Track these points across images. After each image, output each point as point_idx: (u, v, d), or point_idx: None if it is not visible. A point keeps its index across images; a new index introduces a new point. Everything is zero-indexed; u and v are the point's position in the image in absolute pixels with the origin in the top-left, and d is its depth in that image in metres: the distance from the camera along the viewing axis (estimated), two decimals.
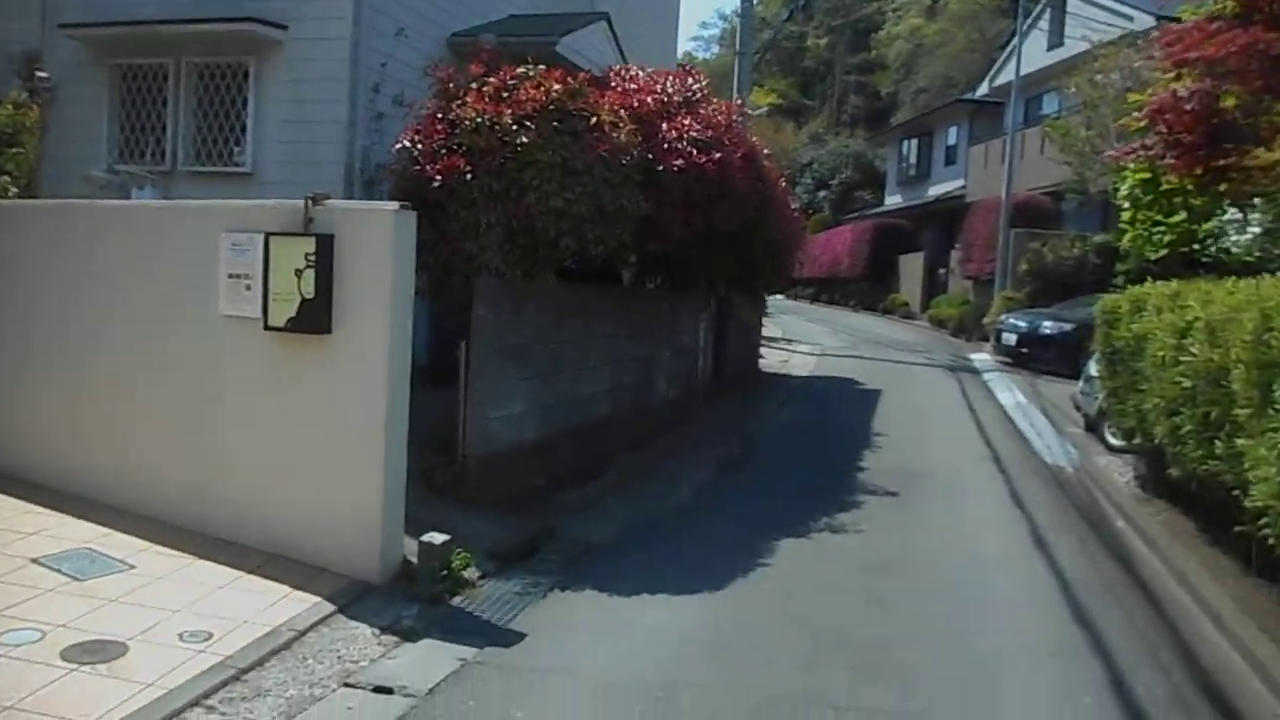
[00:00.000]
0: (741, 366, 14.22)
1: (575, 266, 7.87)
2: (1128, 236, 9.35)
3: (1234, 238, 11.15)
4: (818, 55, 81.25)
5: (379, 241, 4.89)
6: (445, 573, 4.95)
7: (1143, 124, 8.70)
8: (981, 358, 18.94)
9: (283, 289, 5.12)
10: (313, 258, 4.98)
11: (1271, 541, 4.24)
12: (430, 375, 7.11)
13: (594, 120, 6.30)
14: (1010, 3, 67.54)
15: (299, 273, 5.05)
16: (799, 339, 21.66)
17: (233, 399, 5.32)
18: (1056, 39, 25.43)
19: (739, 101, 16.82)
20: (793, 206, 14.25)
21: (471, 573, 5.18)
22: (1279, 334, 4.27)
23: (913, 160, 35.32)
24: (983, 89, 31.24)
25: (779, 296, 40.71)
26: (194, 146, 9.09)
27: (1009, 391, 14.06)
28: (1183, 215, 8.69)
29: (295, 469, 5.11)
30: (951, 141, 32.23)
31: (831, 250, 34.81)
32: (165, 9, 8.76)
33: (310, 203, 5.06)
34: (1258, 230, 11.08)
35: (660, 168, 7.10)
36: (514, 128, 5.91)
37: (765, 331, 22.64)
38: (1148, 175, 8.77)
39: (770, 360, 16.98)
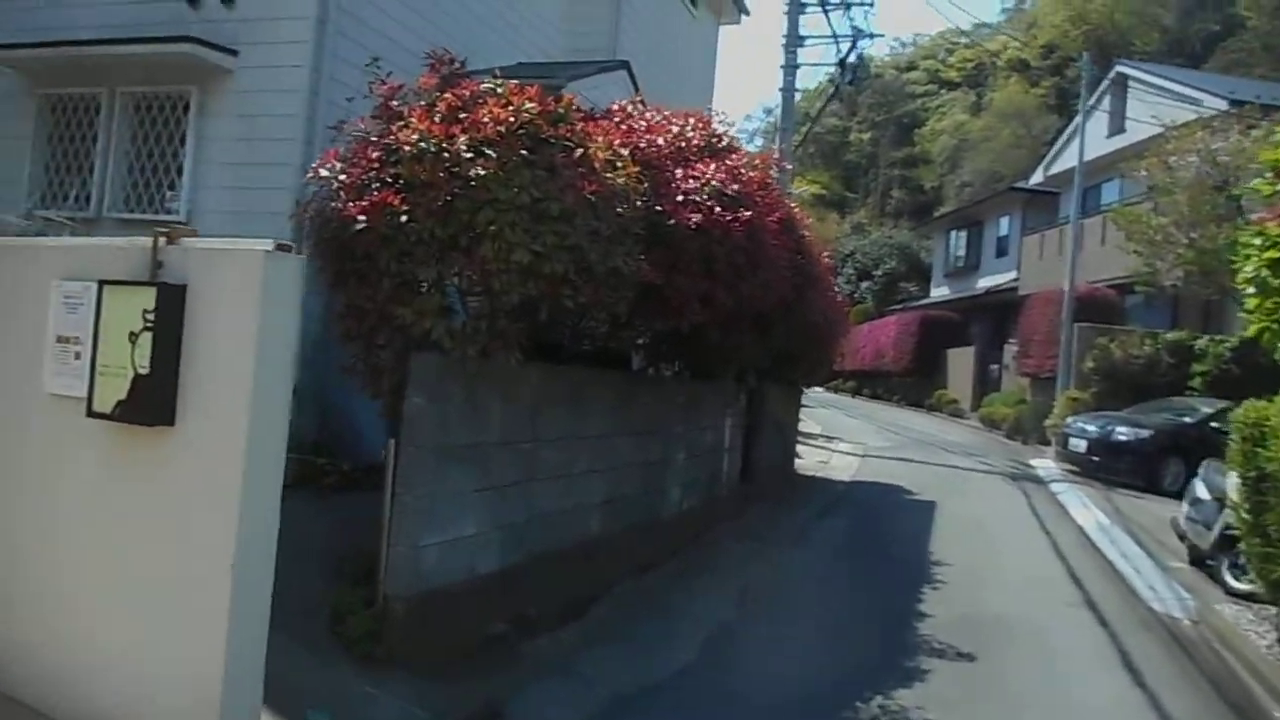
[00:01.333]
0: (775, 469, 12.47)
1: (567, 344, 6.33)
2: (1253, 328, 7.55)
3: None
4: (860, 149, 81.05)
5: (243, 295, 3.36)
6: None
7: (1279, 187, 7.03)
8: (1045, 465, 16.99)
9: (113, 359, 3.58)
10: (152, 317, 3.46)
11: None
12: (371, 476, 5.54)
13: (580, 153, 4.79)
14: (1058, 99, 66.97)
15: (134, 336, 3.52)
16: (840, 436, 19.85)
17: (47, 514, 3.75)
18: (1117, 125, 24.01)
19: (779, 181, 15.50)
20: (837, 289, 12.66)
21: None
22: None
23: (961, 251, 33.75)
24: (1036, 177, 29.79)
25: (818, 389, 39.00)
26: (124, 190, 7.75)
27: (1085, 508, 12.14)
28: None
29: (119, 619, 3.50)
30: (1003, 232, 30.68)
31: (875, 342, 33.11)
32: (102, 29, 7.51)
33: (161, 241, 3.56)
34: None
35: (671, 222, 5.56)
36: (468, 156, 4.40)
37: (802, 428, 20.90)
38: (1278, 255, 7.04)
39: (808, 461, 15.20)
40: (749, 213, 6.25)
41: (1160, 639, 6.42)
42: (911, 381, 30.59)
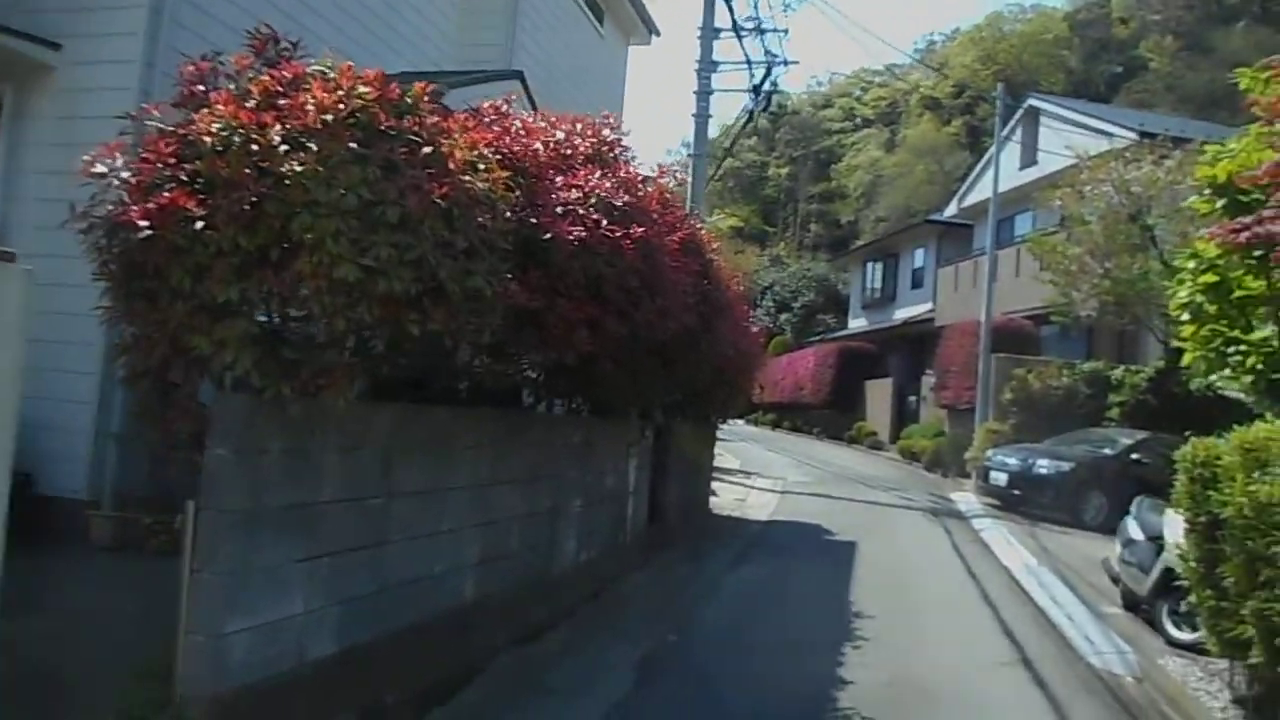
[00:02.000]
0: (688, 510, 11.71)
1: (431, 380, 5.46)
2: (1188, 357, 7.09)
3: None
4: (779, 184, 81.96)
5: None
6: None
7: (1218, 204, 6.58)
8: (965, 498, 16.60)
9: None
10: None
11: None
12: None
13: (430, 151, 3.97)
14: (969, 137, 68.59)
15: None
16: (758, 471, 19.22)
17: None
18: (1030, 157, 24.17)
19: (694, 211, 15.01)
20: (751, 320, 12.02)
21: None
22: None
23: (877, 282, 33.80)
24: (950, 209, 29.96)
25: (738, 421, 38.53)
26: None
27: (1009, 545, 11.64)
28: (1272, 330, 6.44)
29: None
30: (918, 264, 30.75)
31: (793, 374, 32.80)
32: None
33: None
34: None
35: (548, 237, 4.77)
36: (282, 149, 3.55)
37: (720, 462, 20.19)
38: (1215, 279, 6.57)
39: (724, 499, 14.48)
40: (643, 229, 5.50)
41: (1105, 703, 5.76)
42: (831, 414, 30.29)
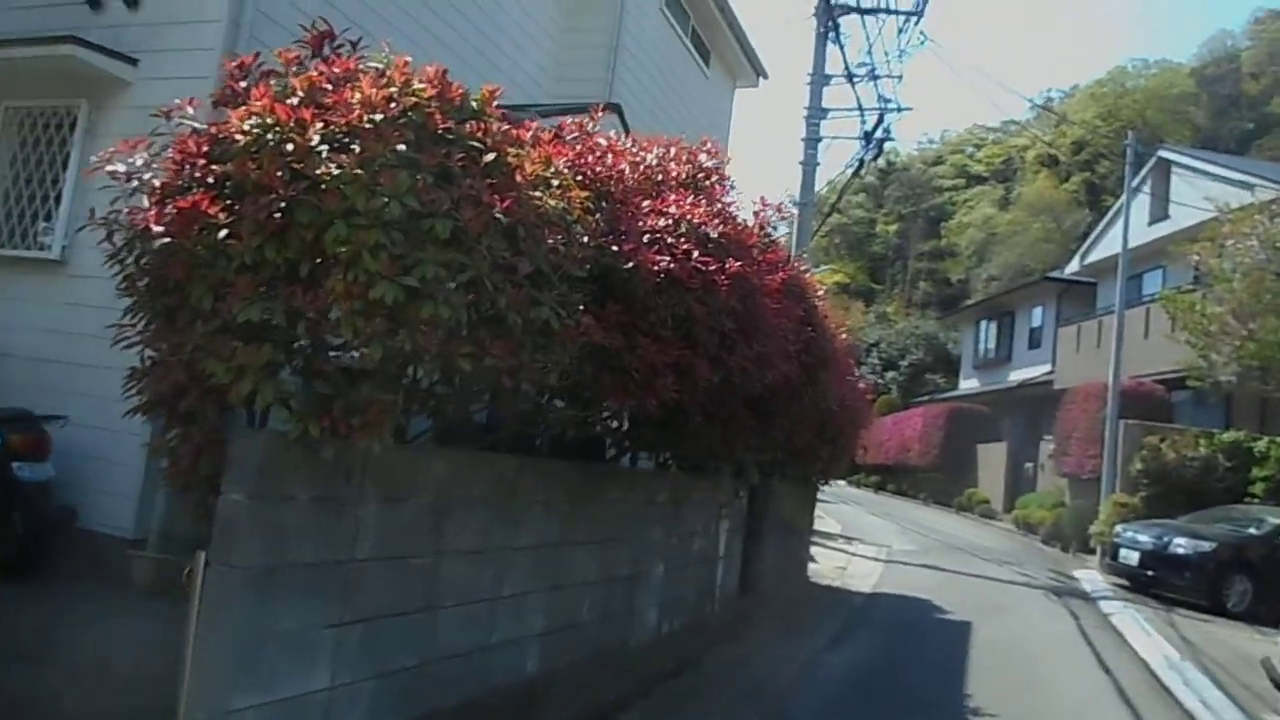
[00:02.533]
0: (783, 578, 10.88)
1: (498, 425, 4.94)
2: None
3: None
4: (887, 241, 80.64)
5: None
6: None
7: None
8: (1090, 577, 15.21)
9: None
10: None
11: None
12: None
13: (494, 158, 3.46)
14: (1088, 195, 66.22)
15: None
16: (860, 537, 18.15)
17: None
18: (1160, 211, 22.69)
19: (800, 254, 14.38)
20: (858, 373, 11.23)
21: None
22: None
23: (991, 342, 32.28)
24: (1072, 266, 28.44)
25: (840, 482, 37.22)
26: None
27: (1145, 635, 10.40)
28: None
29: None
30: (1036, 323, 29.22)
31: (899, 435, 31.48)
32: None
33: None
34: None
35: (629, 266, 4.20)
36: (321, 149, 3.09)
37: (820, 525, 19.22)
38: None
39: (824, 566, 13.54)
40: (739, 264, 4.89)
41: None
42: (938, 477, 28.84)
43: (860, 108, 17.33)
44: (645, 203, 4.51)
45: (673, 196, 4.66)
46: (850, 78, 16.85)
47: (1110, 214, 26.46)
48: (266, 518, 3.29)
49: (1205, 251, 15.27)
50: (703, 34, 13.76)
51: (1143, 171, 22.49)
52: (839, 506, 25.11)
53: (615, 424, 6.17)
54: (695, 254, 4.52)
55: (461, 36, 8.19)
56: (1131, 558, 13.69)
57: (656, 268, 4.25)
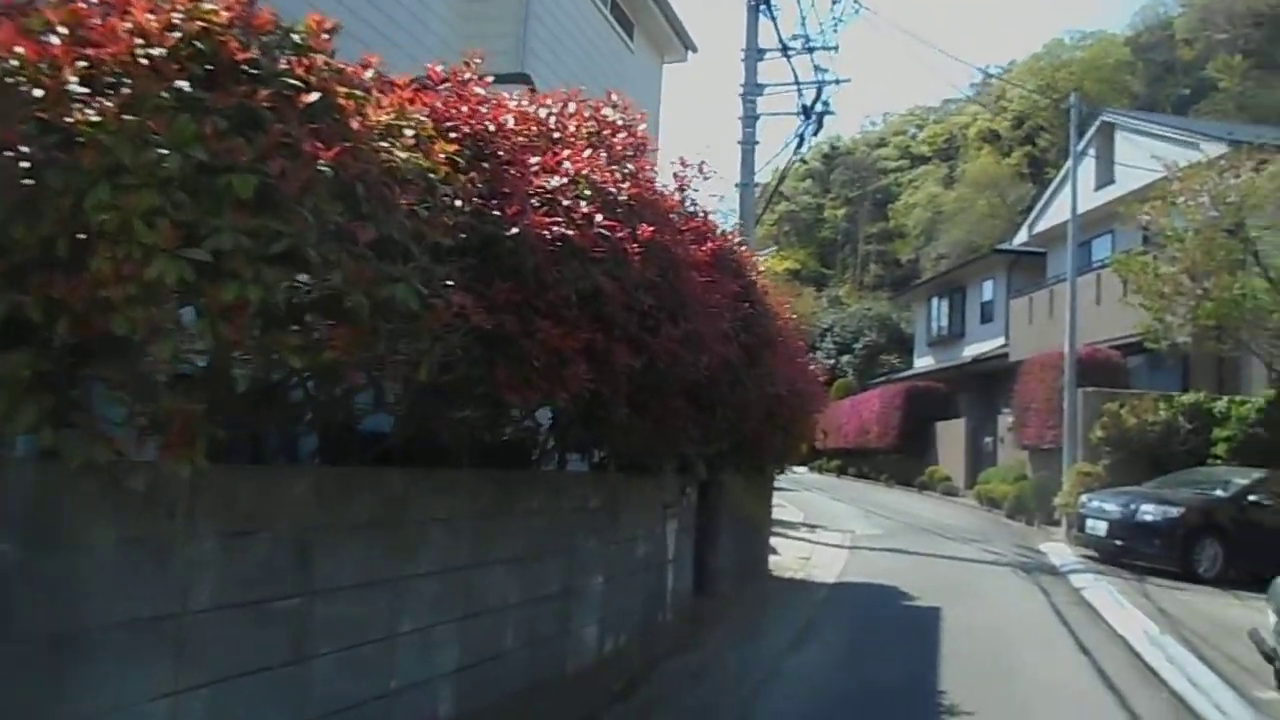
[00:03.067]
0: (743, 575, 10.29)
1: (385, 435, 4.25)
2: None
3: None
4: (835, 226, 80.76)
5: None
6: None
7: None
8: (1057, 550, 14.83)
9: None
10: None
11: None
12: None
13: (317, 99, 2.77)
14: (1031, 168, 66.77)
15: None
16: (824, 524, 17.66)
17: None
18: (1106, 175, 22.49)
19: (742, 240, 13.89)
20: (808, 356, 10.65)
21: None
22: None
23: (944, 319, 32.07)
24: (1020, 237, 28.25)
25: (801, 469, 36.84)
26: None
27: (1121, 608, 9.96)
28: None
29: None
30: (987, 297, 29.03)
31: (858, 417, 31.16)
32: None
33: None
34: None
35: (514, 232, 3.53)
36: (80, 91, 2.39)
37: (782, 515, 18.69)
38: None
39: (786, 558, 12.99)
40: (655, 230, 4.25)
41: None
42: (899, 458, 28.53)
43: (797, 82, 16.83)
44: (535, 160, 3.84)
45: (567, 153, 3.99)
46: (785, 50, 16.33)
47: (1055, 182, 26.29)
48: (52, 571, 2.59)
49: (1156, 211, 14.94)
50: (624, 6, 13.10)
51: (1087, 135, 22.24)
52: (801, 494, 24.64)
53: (532, 424, 5.53)
54: (599, 218, 3.87)
55: (348, 8, 7.47)
56: (1099, 528, 13.31)
57: (549, 234, 3.59)
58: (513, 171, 3.67)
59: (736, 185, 16.63)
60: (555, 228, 3.61)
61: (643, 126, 4.98)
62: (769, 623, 8.92)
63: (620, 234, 4.04)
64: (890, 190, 78.82)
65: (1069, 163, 19.12)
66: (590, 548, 5.86)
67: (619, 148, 4.49)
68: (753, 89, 16.33)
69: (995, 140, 69.77)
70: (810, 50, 16.58)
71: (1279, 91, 50.59)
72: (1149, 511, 12.70)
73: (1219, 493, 12.95)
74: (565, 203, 3.76)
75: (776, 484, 22.89)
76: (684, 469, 7.66)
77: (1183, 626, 9.04)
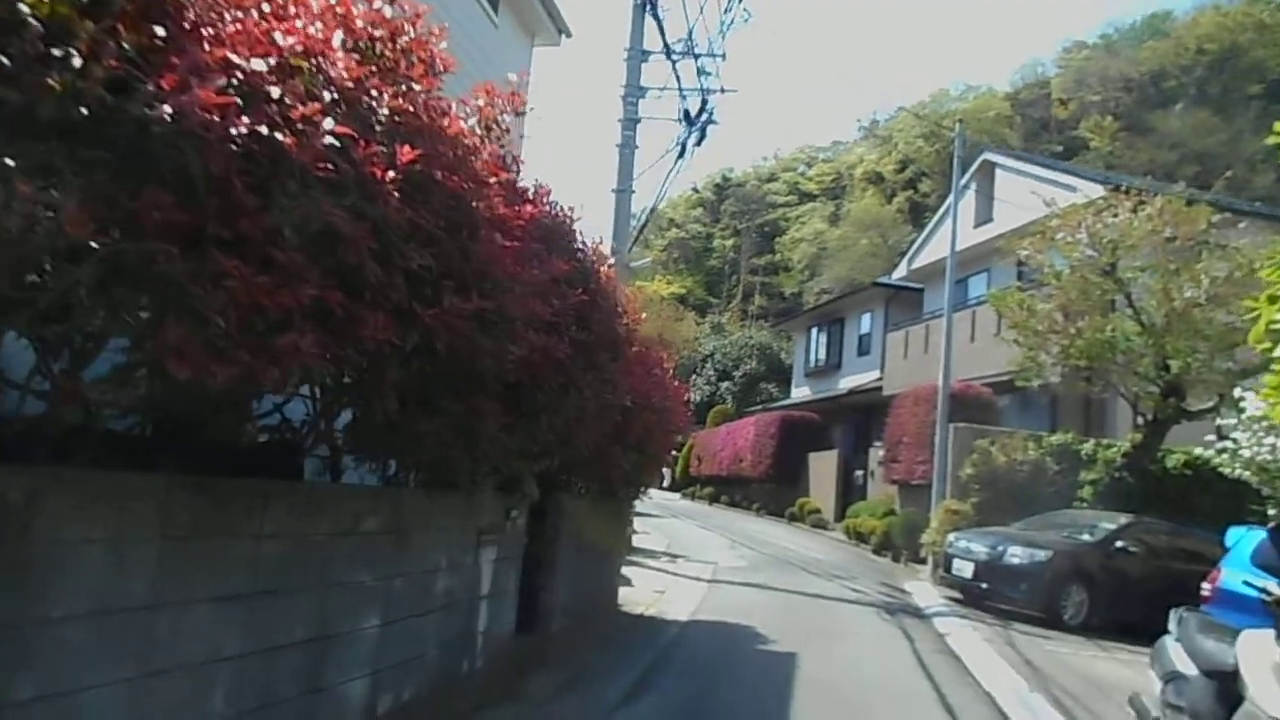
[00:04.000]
0: (585, 609, 9.17)
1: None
2: (1274, 407, 4.81)
3: None
4: (724, 255, 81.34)
5: None
6: None
7: None
8: (922, 590, 14.26)
9: None
10: None
11: None
12: None
13: None
14: (912, 212, 68.45)
15: None
16: (686, 554, 16.71)
17: None
18: (985, 214, 22.53)
19: (608, 254, 12.94)
20: (669, 370, 9.66)
21: None
22: None
23: (822, 350, 31.90)
24: (900, 271, 28.25)
25: (675, 495, 36.04)
26: None
27: (987, 658, 9.27)
28: None
29: None
30: (865, 329, 28.93)
31: (733, 445, 30.59)
32: None
33: None
34: None
35: (162, 112, 2.35)
36: None
37: (646, 542, 17.71)
38: None
39: (640, 591, 11.95)
40: (420, 151, 3.13)
41: None
42: (772, 487, 28.02)
43: (681, 88, 16.01)
44: (234, 26, 2.66)
45: (284, 26, 2.81)
46: (669, 54, 15.49)
47: (936, 217, 26.35)
48: None
49: (1035, 245, 14.63)
50: None
51: (969, 172, 22.23)
52: (669, 521, 23.74)
53: (296, 424, 4.34)
54: (328, 124, 2.73)
55: None
56: (965, 569, 12.75)
57: (234, 130, 2.43)
58: (192, 37, 2.49)
59: (613, 190, 15.68)
60: (245, 122, 2.45)
61: (443, 45, 3.86)
62: (604, 668, 7.81)
63: (370, 153, 2.90)
64: (779, 224, 79.91)
65: (950, 197, 18.90)
66: (360, 582, 4.64)
67: (397, 62, 3.34)
68: (634, 90, 15.44)
69: (880, 182, 71.50)
70: (696, 56, 15.80)
71: (1144, 154, 53.06)
72: (1016, 554, 12.19)
73: (1086, 537, 12.56)
74: (276, 94, 2.60)
75: (643, 510, 21.95)
76: (510, 488, 6.53)
77: (1052, 683, 8.37)
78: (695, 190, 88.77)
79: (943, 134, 66.15)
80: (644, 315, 8.27)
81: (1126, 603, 12.02)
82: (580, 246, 6.02)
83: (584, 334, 5.64)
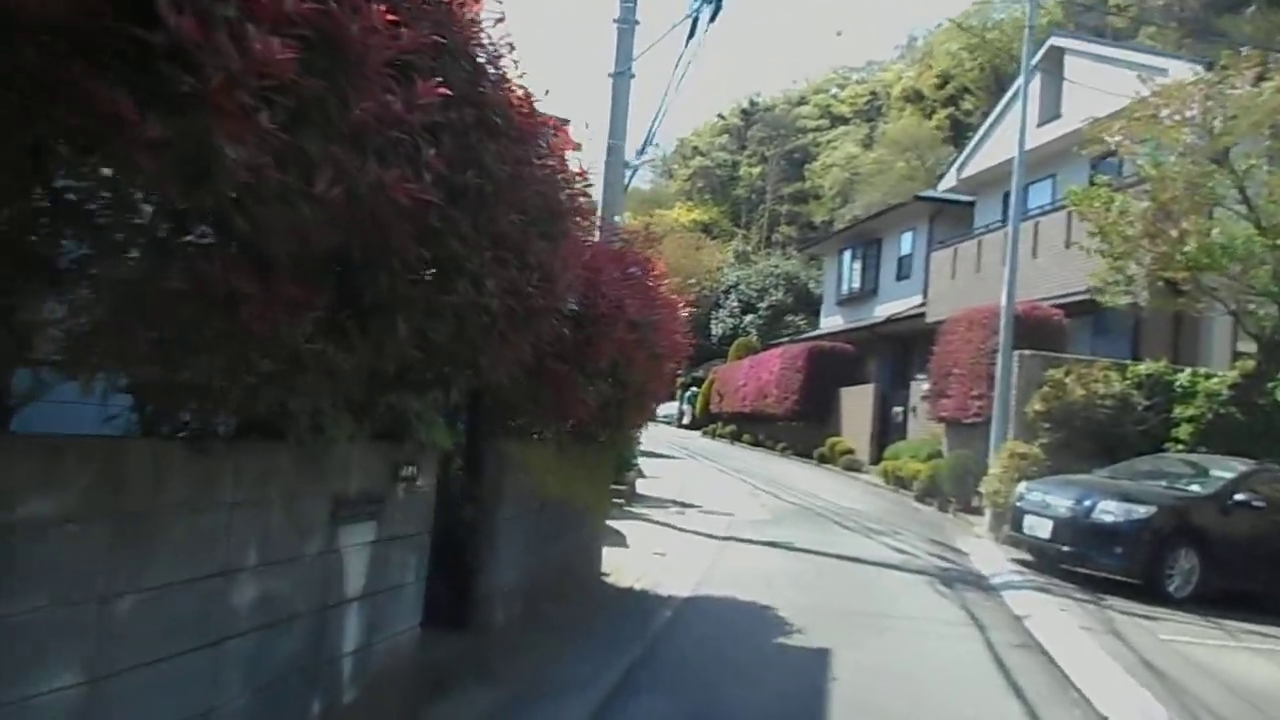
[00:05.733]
0: (548, 588, 6.90)
1: None
2: None
3: None
4: (750, 184, 78.09)
5: None
6: None
7: None
8: (983, 550, 11.92)
9: None
10: None
11: None
12: None
13: None
14: (953, 130, 64.65)
15: None
16: (699, 504, 14.41)
17: None
18: (1052, 110, 19.58)
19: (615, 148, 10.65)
20: (656, 272, 7.19)
21: None
22: None
23: (856, 276, 29.17)
24: (948, 182, 25.36)
25: (694, 433, 33.77)
26: None
27: (1090, 656, 6.92)
28: None
29: None
30: (905, 250, 26.18)
31: (757, 379, 28.19)
32: None
33: None
34: None
35: None
36: None
37: (652, 488, 15.46)
38: None
39: (634, 552, 9.71)
40: None
41: None
42: (799, 426, 25.65)
43: None
44: None
45: None
46: None
47: (994, 115, 23.33)
48: None
49: (1136, 128, 11.82)
50: None
51: (1034, 60, 19.28)
52: (685, 462, 21.53)
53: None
54: None
55: None
56: (1041, 528, 10.34)
57: None
58: None
59: (610, 74, 13.11)
60: None
61: None
62: (568, 673, 5.54)
63: None
64: (809, 150, 76.39)
65: (1020, 78, 15.96)
66: (25, 614, 2.33)
67: None
68: None
69: (919, 100, 67.57)
70: None
71: None
72: (1109, 510, 9.76)
73: (1197, 489, 10.12)
74: None
75: (655, 449, 19.63)
76: (394, 435, 4.20)
77: (1187, 696, 6.01)
78: (721, 117, 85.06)
79: (987, 46, 62.06)
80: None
81: (1244, 570, 9.66)
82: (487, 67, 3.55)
83: (476, 178, 3.22)
